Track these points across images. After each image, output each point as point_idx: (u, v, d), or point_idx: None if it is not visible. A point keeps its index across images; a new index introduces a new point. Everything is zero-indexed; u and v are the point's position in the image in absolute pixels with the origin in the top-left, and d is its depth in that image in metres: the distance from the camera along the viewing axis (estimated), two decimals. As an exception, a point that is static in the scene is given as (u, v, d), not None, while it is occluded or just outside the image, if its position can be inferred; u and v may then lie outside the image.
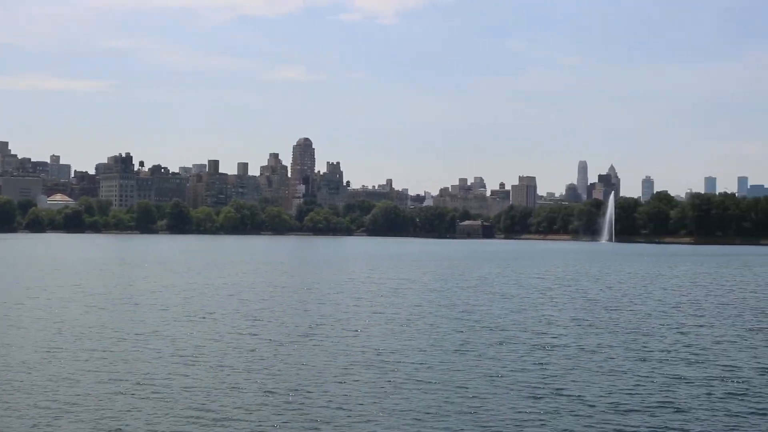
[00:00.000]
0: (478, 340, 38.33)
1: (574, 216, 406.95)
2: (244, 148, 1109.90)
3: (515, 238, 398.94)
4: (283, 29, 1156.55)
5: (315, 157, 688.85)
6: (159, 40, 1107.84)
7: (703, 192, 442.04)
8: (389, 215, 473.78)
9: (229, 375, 29.33)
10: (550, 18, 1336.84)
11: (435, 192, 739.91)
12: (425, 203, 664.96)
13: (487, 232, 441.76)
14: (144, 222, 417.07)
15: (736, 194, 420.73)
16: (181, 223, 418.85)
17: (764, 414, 24.58)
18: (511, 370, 30.87)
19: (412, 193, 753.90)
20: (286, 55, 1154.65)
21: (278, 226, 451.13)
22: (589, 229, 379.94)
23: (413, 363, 32.21)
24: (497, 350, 35.53)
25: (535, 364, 32.31)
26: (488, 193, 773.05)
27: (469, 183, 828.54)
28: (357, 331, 41.28)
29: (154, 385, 27.36)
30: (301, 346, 36.20)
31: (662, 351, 35.76)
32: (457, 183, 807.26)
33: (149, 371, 29.69)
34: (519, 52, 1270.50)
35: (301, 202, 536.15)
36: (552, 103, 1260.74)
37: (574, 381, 29.09)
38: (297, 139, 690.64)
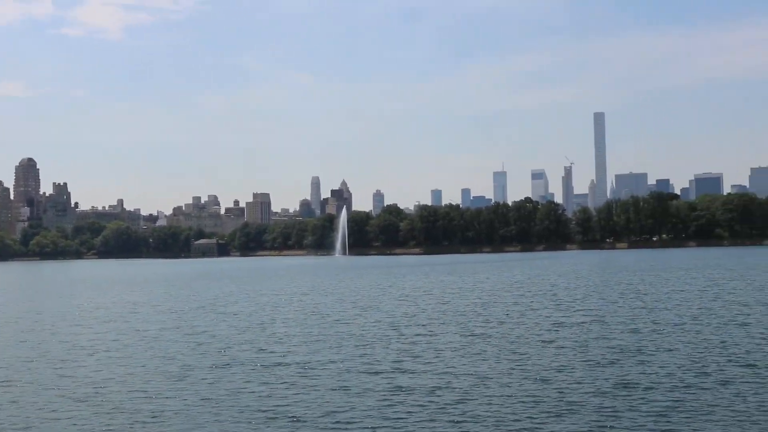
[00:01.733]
0: (200, 363, 36.61)
1: (308, 231, 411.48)
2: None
3: (251, 255, 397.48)
4: (0, 42, 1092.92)
5: (40, 177, 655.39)
6: None
7: (430, 204, 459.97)
8: (121, 236, 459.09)
9: None
10: (281, 35, 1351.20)
11: (168, 211, 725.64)
12: (158, 223, 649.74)
13: (223, 250, 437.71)
14: None
15: (461, 205, 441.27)
16: None
17: (474, 420, 24.64)
18: (232, 392, 29.50)
19: (144, 212, 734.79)
20: (3, 70, 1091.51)
21: (1, 252, 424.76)
22: (324, 244, 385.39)
23: (125, 391, 30.10)
24: (220, 373, 33.99)
25: (261, 384, 31.07)
26: (223, 211, 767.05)
27: (203, 201, 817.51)
28: (67, 360, 38.35)
29: None
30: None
31: (392, 362, 35.59)
32: (190, 201, 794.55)
33: None
34: (248, 68, 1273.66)
35: (25, 225, 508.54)
36: (282, 120, 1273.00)
37: (295, 401, 28.11)
38: (19, 160, 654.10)
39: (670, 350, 36.86)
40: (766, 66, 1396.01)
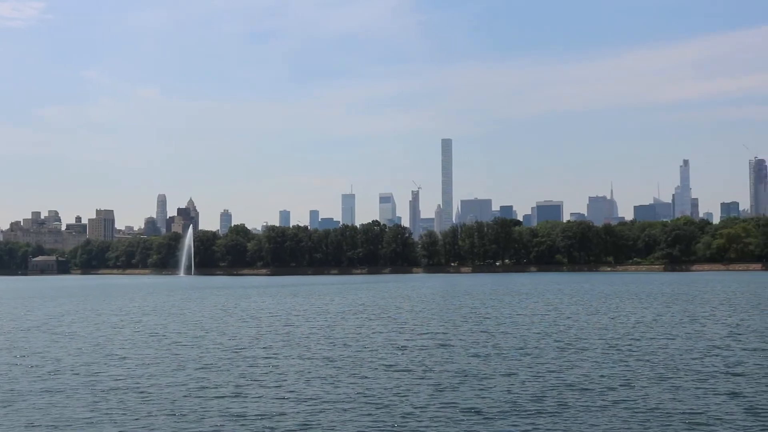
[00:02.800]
0: (29, 387, 34.62)
1: (153, 250, 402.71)
2: None
3: (93, 273, 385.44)
4: None
5: None
6: None
7: (278, 225, 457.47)
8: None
9: None
10: (128, 48, 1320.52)
11: (5, 226, 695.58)
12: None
13: (63, 268, 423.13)
14: None
15: (309, 227, 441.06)
16: None
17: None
18: (60, 419, 27.91)
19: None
20: None
21: None
22: (169, 263, 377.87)
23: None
24: (50, 398, 32.20)
25: (93, 410, 29.55)
26: (64, 227, 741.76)
27: (42, 216, 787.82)
28: None
29: None
30: None
31: (232, 386, 34.61)
32: (29, 216, 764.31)
33: None
34: (93, 81, 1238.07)
35: None
36: (128, 135, 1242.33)
37: (129, 428, 26.82)
38: None
39: (511, 374, 37.24)
40: (605, 99, 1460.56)
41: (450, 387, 34.12)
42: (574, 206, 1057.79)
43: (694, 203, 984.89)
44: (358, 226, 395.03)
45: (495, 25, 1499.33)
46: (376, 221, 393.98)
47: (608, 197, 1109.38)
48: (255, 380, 36.43)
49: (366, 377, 37.08)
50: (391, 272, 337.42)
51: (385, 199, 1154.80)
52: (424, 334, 57.74)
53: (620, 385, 33.99)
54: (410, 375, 37.60)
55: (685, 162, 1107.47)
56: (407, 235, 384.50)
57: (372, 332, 59.45)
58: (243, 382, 35.75)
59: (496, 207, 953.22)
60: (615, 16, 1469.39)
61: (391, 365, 41.01)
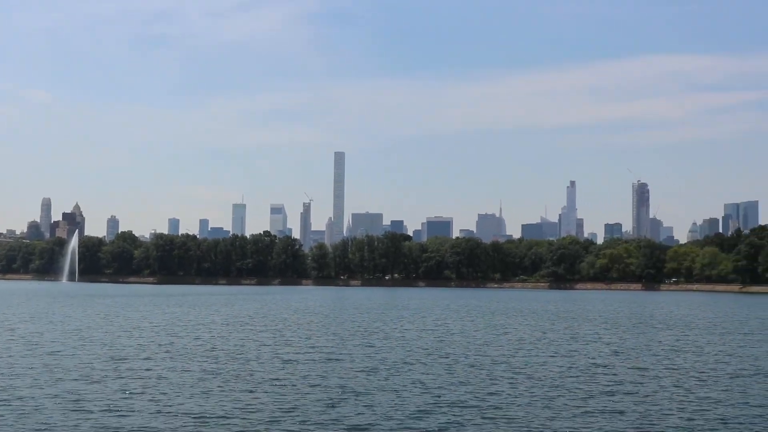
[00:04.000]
0: None
1: (35, 255, 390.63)
2: None
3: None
4: None
5: None
6: None
7: (166, 233, 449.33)
8: None
9: None
10: (15, 50, 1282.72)
11: None
12: None
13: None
14: None
15: (198, 236, 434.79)
16: None
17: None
18: None
19: None
20: None
21: None
22: (52, 269, 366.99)
23: None
24: None
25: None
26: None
27: None
28: None
29: None
30: None
31: (106, 399, 33.43)
32: None
33: None
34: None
35: None
36: (12, 136, 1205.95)
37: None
38: None
39: (394, 391, 37.06)
40: (496, 120, 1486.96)
41: (334, 403, 33.71)
42: (463, 223, 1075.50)
43: (580, 223, 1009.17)
44: (248, 237, 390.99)
45: (387, 43, 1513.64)
46: (267, 232, 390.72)
47: (497, 215, 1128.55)
48: (133, 393, 35.30)
49: (249, 391, 36.38)
50: (281, 284, 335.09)
51: (277, 211, 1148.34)
52: (310, 347, 57.22)
53: (503, 403, 34.17)
54: (293, 389, 37.02)
55: (572, 183, 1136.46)
56: (297, 246, 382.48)
57: (257, 345, 58.60)
58: (120, 396, 34.59)
59: (387, 221, 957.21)
60: (504, 41, 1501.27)
61: (275, 379, 40.36)
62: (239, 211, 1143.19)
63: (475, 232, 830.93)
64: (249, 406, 32.58)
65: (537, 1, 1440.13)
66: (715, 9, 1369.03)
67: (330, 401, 34.04)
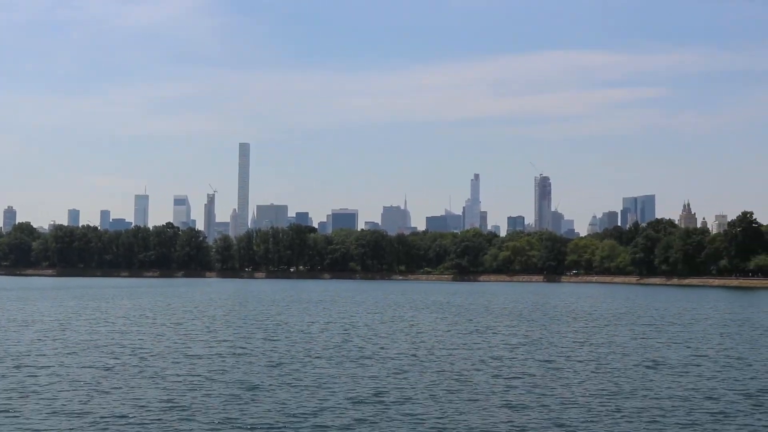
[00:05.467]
0: None
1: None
2: None
3: None
4: None
5: None
6: None
7: (66, 224, 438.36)
8: None
9: None
10: None
11: None
12: None
13: None
14: None
15: (99, 227, 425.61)
16: None
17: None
18: None
19: None
20: None
21: None
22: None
23: None
24: None
25: None
26: None
27: None
28: None
29: None
30: None
31: (-5, 399, 32.21)
32: None
33: None
34: None
35: None
36: None
37: None
38: None
39: (297, 386, 36.65)
40: (402, 112, 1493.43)
41: (233, 398, 33.14)
42: (369, 215, 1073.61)
43: (483, 216, 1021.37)
44: (151, 228, 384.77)
45: (293, 33, 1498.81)
46: (170, 224, 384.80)
47: (402, 207, 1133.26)
48: (24, 391, 34.09)
49: (149, 388, 35.51)
50: (184, 276, 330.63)
51: (180, 202, 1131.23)
52: (213, 342, 56.38)
53: (405, 398, 34.12)
54: (194, 386, 36.27)
55: (476, 176, 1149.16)
56: (201, 238, 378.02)
57: (158, 340, 57.46)
58: (10, 395, 33.35)
59: (292, 213, 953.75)
60: (412, 33, 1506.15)
61: (175, 375, 39.50)
62: (142, 202, 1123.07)
63: (380, 224, 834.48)
64: (149, 404, 31.77)
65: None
66: (617, 7, 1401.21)
67: (231, 397, 33.47)
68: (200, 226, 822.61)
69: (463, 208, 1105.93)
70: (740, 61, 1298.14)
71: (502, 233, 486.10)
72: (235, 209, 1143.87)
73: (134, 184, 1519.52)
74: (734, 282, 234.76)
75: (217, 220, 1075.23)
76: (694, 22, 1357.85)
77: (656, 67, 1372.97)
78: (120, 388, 35.59)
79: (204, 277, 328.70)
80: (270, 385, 36.86)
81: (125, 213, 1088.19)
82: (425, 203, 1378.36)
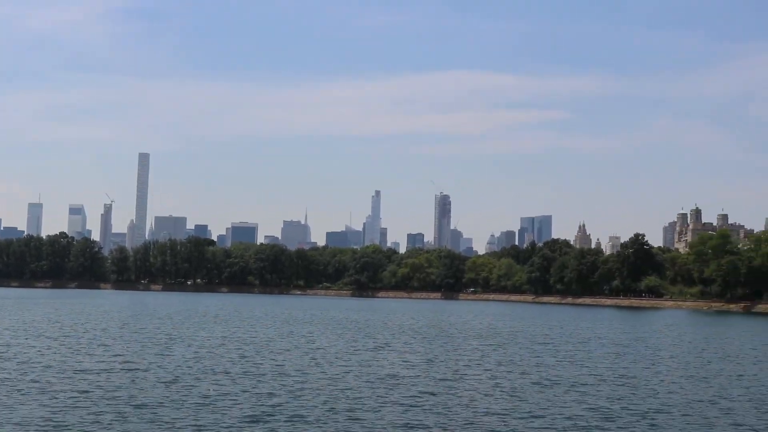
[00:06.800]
0: None
1: None
2: None
3: None
4: None
5: None
6: None
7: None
8: None
9: None
10: None
11: None
12: None
13: None
14: None
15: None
16: None
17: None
18: None
19: None
20: None
21: None
22: None
23: None
24: None
25: None
26: None
27: None
28: None
29: None
30: None
31: None
32: None
33: None
34: None
35: None
36: None
37: None
38: None
39: (187, 402, 35.69)
40: (304, 127, 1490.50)
41: (119, 417, 32.00)
42: (269, 229, 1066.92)
43: (384, 232, 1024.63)
44: (44, 238, 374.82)
45: (196, 44, 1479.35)
46: (64, 233, 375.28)
47: (303, 222, 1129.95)
48: None
49: (36, 405, 34.07)
50: (78, 287, 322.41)
51: (76, 211, 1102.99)
52: (105, 356, 54.70)
53: (300, 416, 33.53)
54: (82, 401, 34.97)
55: (377, 192, 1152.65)
56: (97, 249, 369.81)
57: (47, 353, 55.47)
58: None
59: (191, 225, 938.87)
60: (317, 49, 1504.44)
61: (63, 391, 38.05)
62: (35, 210, 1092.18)
63: (280, 238, 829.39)
64: (28, 423, 30.42)
65: (351, 11, 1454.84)
66: (521, 31, 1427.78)
67: (117, 416, 32.31)
68: (96, 236, 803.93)
69: (364, 224, 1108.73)
70: (634, 87, 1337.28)
71: (402, 250, 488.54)
72: (132, 220, 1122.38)
73: (28, 191, 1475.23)
74: (625, 302, 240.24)
75: (114, 230, 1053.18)
76: (593, 48, 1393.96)
77: (556, 90, 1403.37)
78: (2, 404, 34.03)
79: (98, 288, 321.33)
80: (160, 402, 35.76)
81: (17, 221, 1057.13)
82: (326, 219, 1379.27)
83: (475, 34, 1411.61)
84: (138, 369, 47.78)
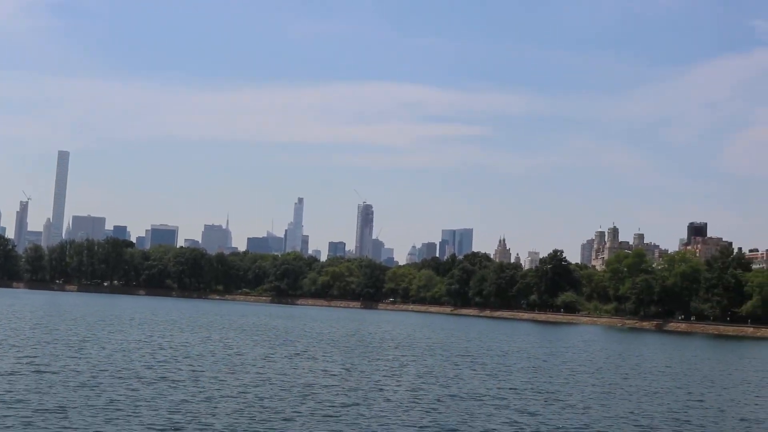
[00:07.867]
0: None
1: None
2: None
3: None
4: None
5: None
6: None
7: None
8: None
9: None
10: None
11: None
12: None
13: None
14: None
15: None
16: None
17: None
18: None
19: None
20: None
21: None
22: None
23: None
24: None
25: None
26: None
27: None
28: None
29: None
30: None
31: None
32: None
33: None
34: None
35: None
36: None
37: None
38: None
39: (90, 408, 34.82)
40: (228, 131, 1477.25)
41: (23, 423, 31.05)
42: (189, 233, 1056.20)
43: (305, 240, 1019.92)
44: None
45: (119, 44, 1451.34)
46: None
47: (224, 227, 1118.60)
48: None
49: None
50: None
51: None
52: (14, 358, 53.16)
53: (208, 423, 32.97)
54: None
55: (300, 200, 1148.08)
56: (10, 247, 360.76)
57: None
58: None
59: (109, 226, 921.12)
60: (243, 54, 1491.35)
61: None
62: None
63: (200, 242, 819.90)
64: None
65: (287, 17, 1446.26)
66: (447, 45, 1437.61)
67: (23, 420, 31.33)
68: (11, 234, 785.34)
69: (286, 231, 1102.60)
70: (556, 107, 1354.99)
71: (323, 258, 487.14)
72: (49, 218, 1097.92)
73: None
74: (542, 316, 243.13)
75: (30, 229, 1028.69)
76: (520, 68, 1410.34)
77: (480, 106, 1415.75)
78: None
79: (11, 287, 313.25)
80: (68, 407, 34.84)
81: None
82: (247, 224, 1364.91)
83: (408, 49, 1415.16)
84: (48, 372, 46.54)
